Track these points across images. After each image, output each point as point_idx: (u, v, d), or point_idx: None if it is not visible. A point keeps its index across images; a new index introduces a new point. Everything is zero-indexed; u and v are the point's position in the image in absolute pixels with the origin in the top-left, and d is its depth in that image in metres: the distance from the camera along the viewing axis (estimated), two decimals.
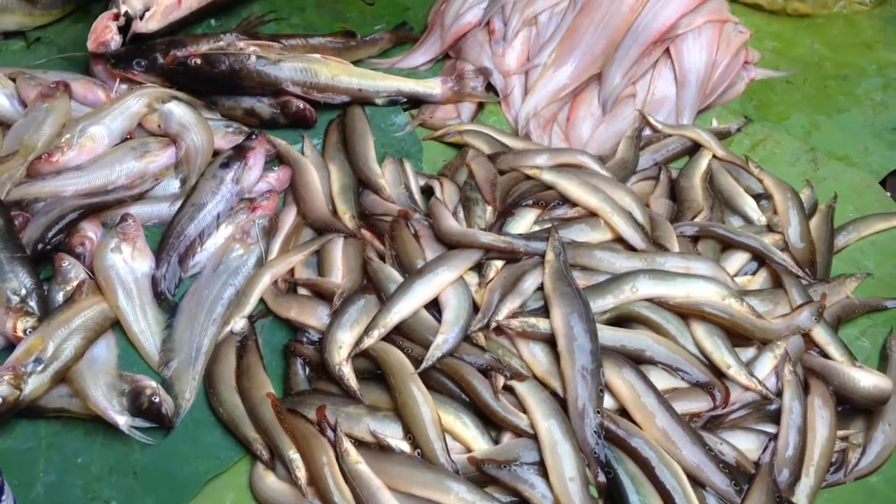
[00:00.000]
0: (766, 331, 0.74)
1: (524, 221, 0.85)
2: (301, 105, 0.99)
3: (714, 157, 0.92)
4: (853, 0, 1.09)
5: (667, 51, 0.99)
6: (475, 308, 0.77)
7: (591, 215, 0.84)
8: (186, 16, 1.04)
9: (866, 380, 0.73)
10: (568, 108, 1.01)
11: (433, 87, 1.01)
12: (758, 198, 0.88)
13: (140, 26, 1.00)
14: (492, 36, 1.05)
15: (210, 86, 0.97)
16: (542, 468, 0.67)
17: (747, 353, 0.74)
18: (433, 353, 0.73)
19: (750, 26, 1.09)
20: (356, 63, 1.05)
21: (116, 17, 0.99)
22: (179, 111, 0.94)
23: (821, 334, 0.75)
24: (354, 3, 1.15)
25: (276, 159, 0.95)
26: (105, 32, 0.98)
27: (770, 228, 0.84)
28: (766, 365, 0.73)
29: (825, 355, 0.75)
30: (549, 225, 0.83)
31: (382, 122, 1.00)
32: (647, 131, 0.97)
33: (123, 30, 0.99)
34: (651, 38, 0.98)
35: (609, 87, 0.99)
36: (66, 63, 1.02)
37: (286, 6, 1.14)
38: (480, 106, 1.03)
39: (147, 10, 1.01)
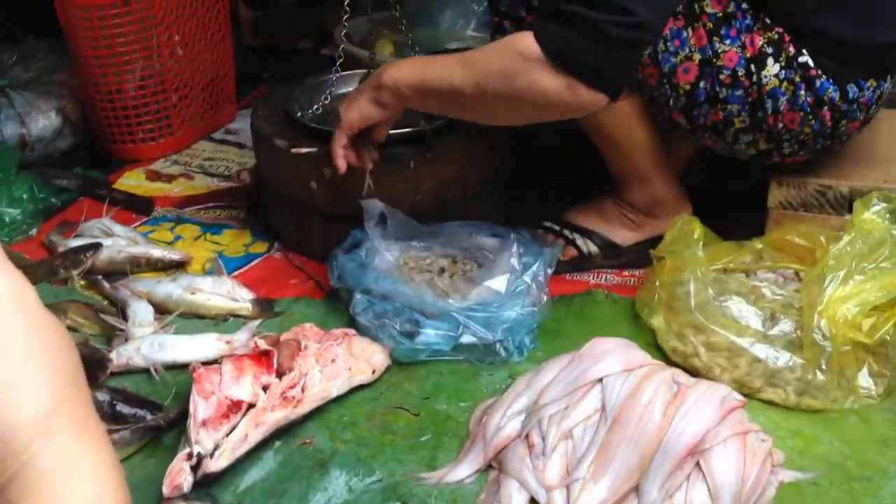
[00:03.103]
0: None
1: None
2: None
3: None
4: (861, 395, 1.19)
5: (698, 463, 1.06)
6: None
7: None
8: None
9: None
10: None
11: None
12: None
13: (210, 465, 1.09)
14: (531, 450, 1.13)
15: None
16: None
17: None
18: None
19: (769, 424, 1.18)
20: None
21: (189, 456, 1.09)
22: None
23: None
24: (401, 415, 1.25)
25: None
26: (179, 475, 1.06)
27: None
28: None
29: None
30: None
31: None
32: None
33: (194, 467, 1.09)
34: (681, 453, 1.05)
35: (647, 501, 1.05)
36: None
37: (338, 423, 1.24)
38: None
39: (217, 447, 1.11)
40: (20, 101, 1.94)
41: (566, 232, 1.62)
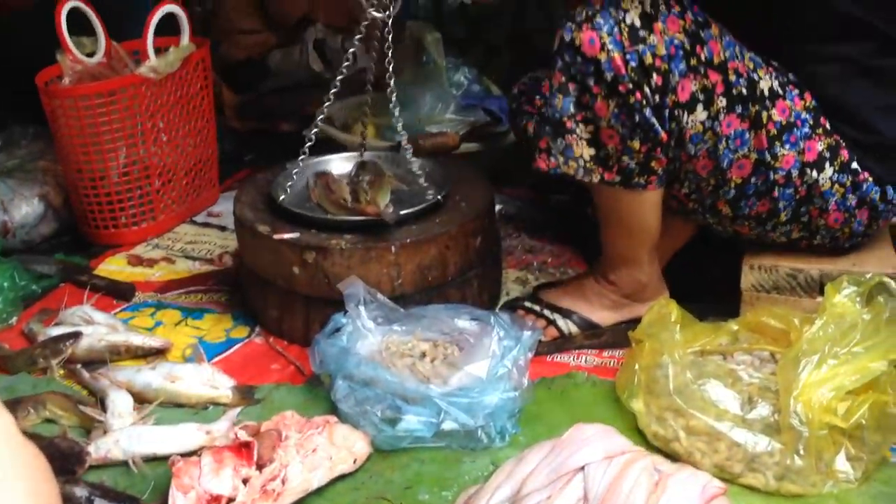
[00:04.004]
0: None
1: None
2: None
3: None
4: (839, 479, 1.19)
5: None
6: None
7: None
8: None
9: None
10: None
11: None
12: None
13: None
14: None
15: None
16: None
17: None
18: None
19: None
20: None
21: None
22: None
23: None
24: None
25: None
26: None
27: None
28: None
29: None
30: None
31: None
32: None
33: None
34: None
35: None
36: None
37: None
38: None
39: None
40: (3, 188, 1.96)
41: (546, 312, 1.64)
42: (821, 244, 1.48)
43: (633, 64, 1.30)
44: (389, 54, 1.59)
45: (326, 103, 1.62)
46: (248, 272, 1.71)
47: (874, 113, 1.39)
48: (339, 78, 1.61)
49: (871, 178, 1.41)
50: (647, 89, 1.31)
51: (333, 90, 1.61)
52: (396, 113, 1.62)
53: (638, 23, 1.29)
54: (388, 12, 1.55)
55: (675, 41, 1.30)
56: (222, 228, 2.10)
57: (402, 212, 1.57)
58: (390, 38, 1.58)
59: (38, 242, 2.00)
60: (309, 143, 1.64)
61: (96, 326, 1.61)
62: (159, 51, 1.99)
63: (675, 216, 1.56)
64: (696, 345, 1.40)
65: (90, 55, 2.00)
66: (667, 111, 1.33)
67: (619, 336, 1.58)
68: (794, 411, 1.18)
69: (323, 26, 2.90)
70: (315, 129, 1.64)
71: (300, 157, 1.66)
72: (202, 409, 1.44)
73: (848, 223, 1.43)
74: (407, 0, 2.95)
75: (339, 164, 1.78)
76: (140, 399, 1.42)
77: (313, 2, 2.90)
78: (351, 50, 1.60)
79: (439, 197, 1.63)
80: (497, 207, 1.79)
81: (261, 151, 2.51)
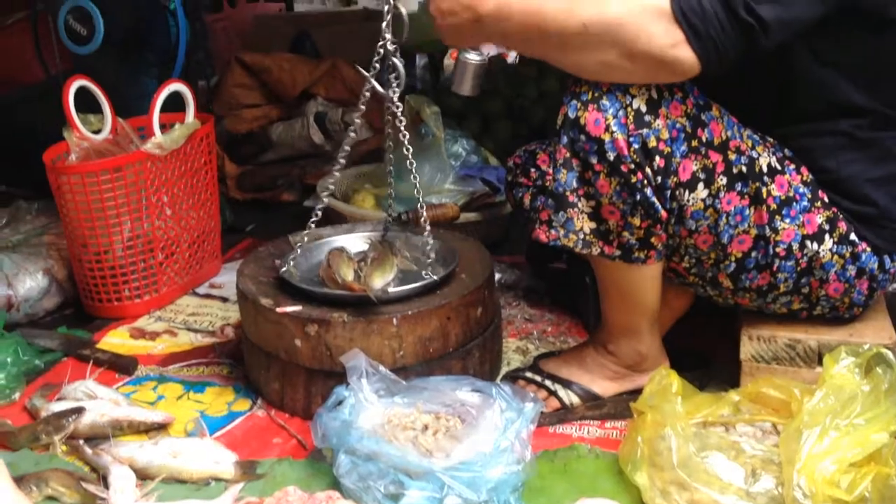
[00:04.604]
0: None
1: None
2: None
3: None
4: None
5: None
6: None
7: None
8: None
9: None
10: None
11: None
12: None
13: None
14: None
15: None
16: None
17: None
18: None
19: None
20: None
21: None
22: None
23: None
24: None
25: None
26: None
27: None
28: None
29: None
30: None
31: None
32: None
33: None
34: None
35: None
36: None
37: None
38: None
39: None
40: (7, 263, 1.98)
41: (547, 383, 1.65)
42: (821, 314, 1.49)
43: (635, 146, 1.32)
44: (402, 127, 1.62)
45: (330, 179, 1.66)
46: (249, 345, 1.71)
47: (867, 184, 1.43)
48: (341, 154, 1.65)
49: (869, 249, 1.43)
50: (648, 170, 1.33)
51: (338, 166, 1.65)
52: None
53: (644, 108, 1.32)
54: (392, 89, 1.59)
55: (678, 125, 1.33)
56: (224, 300, 2.11)
57: (392, 289, 1.58)
58: (400, 112, 1.61)
59: (41, 316, 2.01)
60: (316, 219, 1.67)
61: (99, 401, 1.60)
62: (164, 127, 2.03)
63: (675, 286, 1.58)
64: (698, 416, 1.41)
65: (97, 132, 2.04)
66: (668, 191, 1.35)
67: (620, 407, 1.58)
68: (798, 484, 1.18)
69: (323, 100, 2.98)
70: (321, 204, 1.68)
71: (307, 231, 1.69)
72: (204, 485, 1.43)
73: (848, 293, 1.45)
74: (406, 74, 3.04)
75: (356, 242, 1.80)
76: (143, 475, 1.42)
77: (313, 77, 2.98)
78: (353, 125, 1.64)
79: (435, 278, 1.63)
80: (496, 276, 1.80)
81: (262, 221, 2.54)
